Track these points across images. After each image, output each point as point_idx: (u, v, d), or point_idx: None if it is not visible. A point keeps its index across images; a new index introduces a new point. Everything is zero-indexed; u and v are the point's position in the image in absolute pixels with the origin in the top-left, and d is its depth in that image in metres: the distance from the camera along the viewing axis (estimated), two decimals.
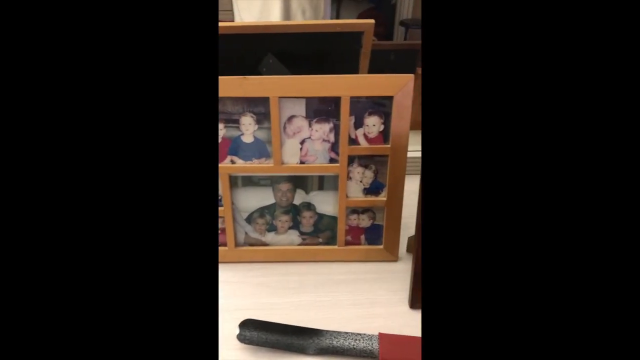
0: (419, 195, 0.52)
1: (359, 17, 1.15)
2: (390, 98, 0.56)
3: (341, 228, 0.63)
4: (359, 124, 0.58)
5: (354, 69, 0.93)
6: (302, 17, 1.02)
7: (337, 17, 1.12)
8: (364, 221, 0.64)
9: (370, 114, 0.58)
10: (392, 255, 0.65)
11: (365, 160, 0.60)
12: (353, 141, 0.59)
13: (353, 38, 0.90)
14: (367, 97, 0.57)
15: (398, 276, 0.62)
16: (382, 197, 0.62)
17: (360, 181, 0.62)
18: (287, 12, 1.00)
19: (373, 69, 0.89)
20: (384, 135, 0.59)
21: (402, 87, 0.55)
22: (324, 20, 0.94)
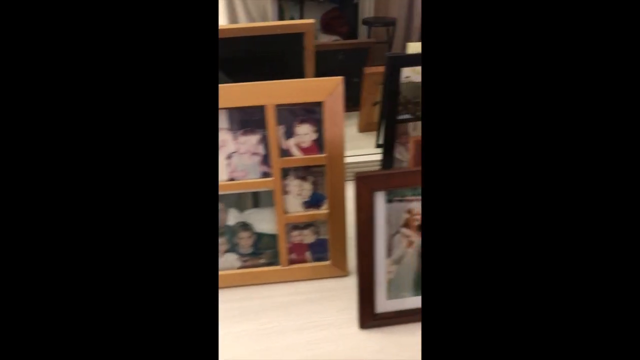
0: (354, 202, 0.48)
1: (322, 18, 1.13)
2: (319, 104, 0.52)
3: (283, 246, 0.58)
4: (290, 133, 0.54)
5: (299, 72, 0.88)
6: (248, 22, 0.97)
7: (301, 19, 1.08)
8: (308, 236, 0.59)
9: (301, 122, 0.53)
10: (340, 270, 0.60)
11: (302, 172, 0.56)
12: (285, 152, 0.54)
13: (294, 40, 0.86)
14: (295, 104, 0.52)
15: (347, 293, 0.58)
16: (324, 210, 0.58)
17: (299, 194, 0.57)
18: (233, 17, 0.95)
19: (322, 71, 0.84)
20: (318, 144, 0.54)
21: (331, 91, 0.51)
22: (262, 22, 0.89)
